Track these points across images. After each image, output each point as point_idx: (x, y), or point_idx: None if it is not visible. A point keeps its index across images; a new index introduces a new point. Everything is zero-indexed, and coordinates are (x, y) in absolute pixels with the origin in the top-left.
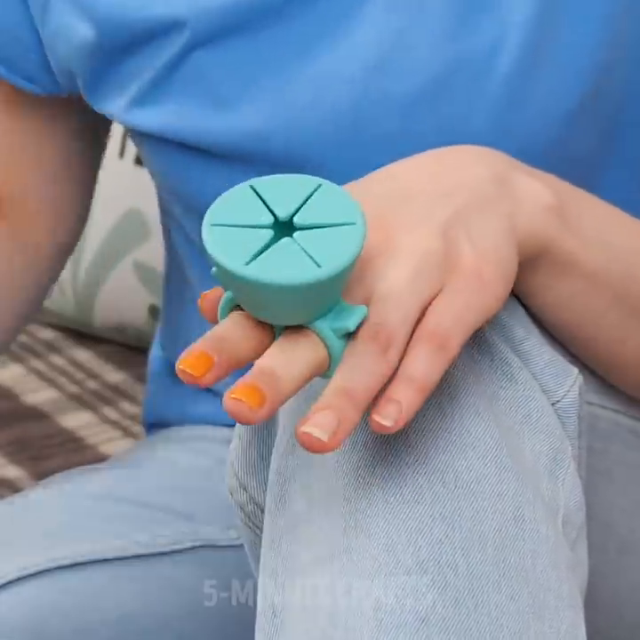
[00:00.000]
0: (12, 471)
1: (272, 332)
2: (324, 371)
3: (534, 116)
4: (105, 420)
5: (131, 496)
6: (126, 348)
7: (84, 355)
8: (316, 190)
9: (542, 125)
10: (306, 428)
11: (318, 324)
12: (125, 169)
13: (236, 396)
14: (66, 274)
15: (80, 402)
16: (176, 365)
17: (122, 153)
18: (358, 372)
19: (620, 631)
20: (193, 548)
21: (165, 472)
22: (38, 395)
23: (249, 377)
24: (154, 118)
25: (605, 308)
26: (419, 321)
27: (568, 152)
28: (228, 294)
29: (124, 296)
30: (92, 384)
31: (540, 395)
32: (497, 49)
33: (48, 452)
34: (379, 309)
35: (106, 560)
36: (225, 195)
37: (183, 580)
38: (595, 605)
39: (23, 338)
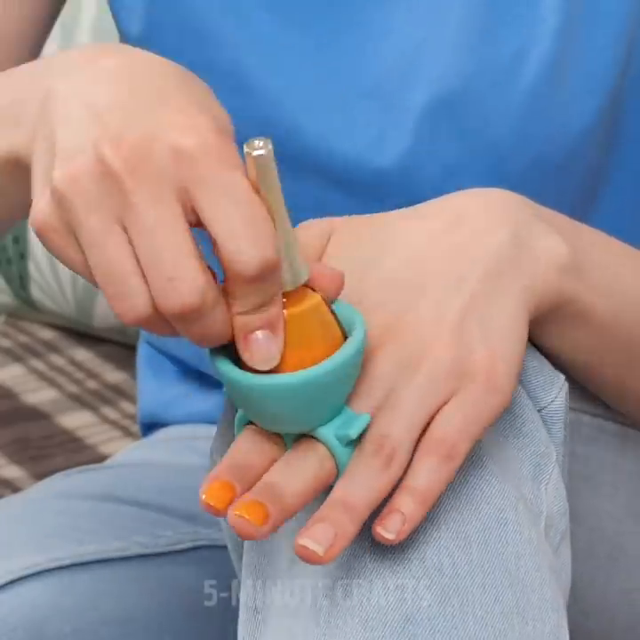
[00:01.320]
0: (12, 471)
1: (284, 445)
2: (332, 481)
3: (554, 125)
4: (105, 420)
5: (131, 496)
6: (126, 347)
7: (83, 355)
8: None
9: (561, 135)
10: (302, 542)
11: (322, 430)
12: None
13: (239, 512)
14: (66, 274)
15: (80, 402)
16: (200, 497)
17: None
18: (359, 485)
19: (612, 636)
20: (193, 548)
21: (165, 472)
22: (38, 395)
23: (254, 492)
24: None
25: (611, 353)
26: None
27: (582, 162)
28: (240, 413)
29: None
30: (91, 384)
31: (525, 400)
32: (522, 59)
33: (48, 451)
34: (384, 420)
35: (106, 560)
36: None
37: (183, 581)
38: (586, 611)
39: (23, 338)
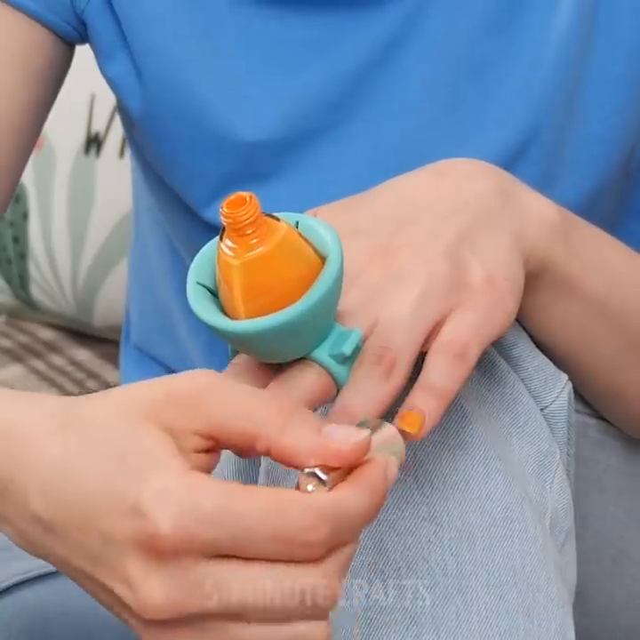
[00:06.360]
0: None
1: (277, 368)
2: (331, 396)
3: (565, 191)
4: None
5: None
6: None
7: (84, 355)
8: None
9: (574, 198)
10: None
11: (316, 353)
12: (125, 169)
13: None
14: (66, 274)
15: None
16: None
17: (122, 153)
18: (360, 394)
19: (616, 637)
20: None
21: None
22: None
23: None
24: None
25: (602, 336)
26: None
27: (600, 211)
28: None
29: (124, 296)
30: (91, 384)
31: (527, 399)
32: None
33: None
34: (383, 332)
35: None
36: (203, 250)
37: None
38: (590, 612)
39: (23, 338)
